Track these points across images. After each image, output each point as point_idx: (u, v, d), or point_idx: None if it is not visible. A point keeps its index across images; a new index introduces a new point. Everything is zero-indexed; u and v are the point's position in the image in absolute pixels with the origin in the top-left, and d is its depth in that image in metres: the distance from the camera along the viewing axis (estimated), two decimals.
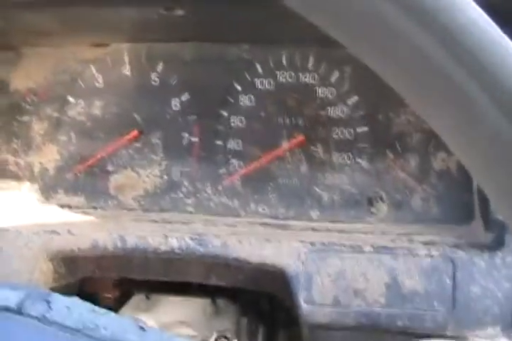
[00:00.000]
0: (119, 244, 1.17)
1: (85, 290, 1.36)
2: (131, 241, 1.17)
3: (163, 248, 1.15)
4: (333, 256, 1.09)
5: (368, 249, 1.09)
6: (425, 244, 1.10)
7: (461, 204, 1.24)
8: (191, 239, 1.14)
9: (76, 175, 1.43)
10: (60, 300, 0.88)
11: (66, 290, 1.27)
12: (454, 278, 1.06)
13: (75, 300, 0.90)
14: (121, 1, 1.14)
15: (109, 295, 1.43)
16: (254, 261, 1.11)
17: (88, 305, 0.90)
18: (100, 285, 1.40)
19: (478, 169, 0.43)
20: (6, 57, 1.48)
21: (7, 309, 0.68)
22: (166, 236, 1.16)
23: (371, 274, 1.07)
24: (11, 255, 1.20)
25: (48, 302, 0.87)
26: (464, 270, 1.06)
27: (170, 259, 1.19)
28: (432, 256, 1.07)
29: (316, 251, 1.10)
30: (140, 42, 1.42)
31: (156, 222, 1.28)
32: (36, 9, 1.17)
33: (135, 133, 1.39)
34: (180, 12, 1.18)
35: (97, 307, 0.89)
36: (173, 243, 1.15)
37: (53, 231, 1.20)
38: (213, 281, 1.20)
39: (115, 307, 1.41)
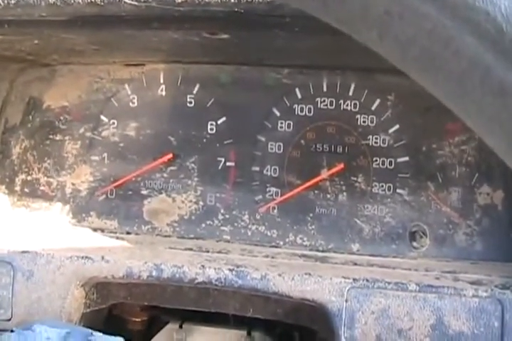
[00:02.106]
0: (154, 273, 1.14)
1: (113, 313, 1.34)
2: (167, 271, 1.13)
3: (200, 278, 1.12)
4: (376, 294, 1.06)
5: (412, 287, 1.05)
6: (472, 283, 1.07)
7: (508, 241, 1.21)
8: (229, 270, 1.11)
9: (109, 197, 1.40)
10: (103, 340, 0.86)
11: (96, 316, 1.25)
12: (502, 320, 1.02)
13: (118, 340, 0.88)
14: (165, 25, 1.11)
15: (138, 319, 1.41)
16: (295, 295, 1.08)
17: None
18: (129, 310, 1.37)
19: None
20: (39, 75, 1.46)
21: None
22: (203, 267, 1.12)
23: (416, 314, 1.04)
24: (43, 280, 1.18)
25: None
26: None
27: (206, 289, 1.17)
28: (479, 297, 1.03)
29: (359, 288, 1.07)
30: (177, 63, 1.40)
31: (191, 250, 1.25)
32: (73, 30, 1.15)
33: (170, 156, 1.37)
34: (224, 36, 1.16)
35: None
36: (211, 274, 1.12)
37: (87, 257, 1.17)
38: (250, 313, 1.17)
39: (143, 330, 1.39)
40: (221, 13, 0.97)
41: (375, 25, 0.39)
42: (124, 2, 0.98)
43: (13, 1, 0.99)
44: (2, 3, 1.00)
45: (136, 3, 0.97)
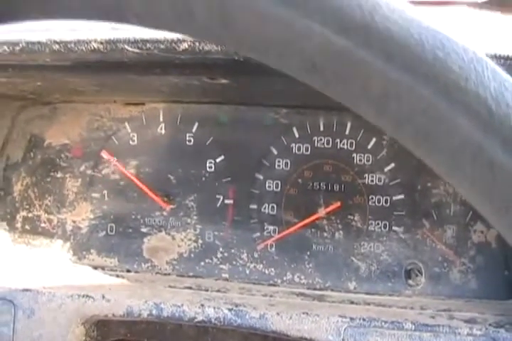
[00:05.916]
0: (154, 312, 1.15)
1: None
2: (167, 310, 1.15)
3: (199, 317, 1.14)
4: (373, 333, 1.08)
5: (408, 326, 1.07)
6: (466, 321, 1.09)
7: (502, 279, 1.23)
8: (228, 309, 1.13)
9: (109, 234, 1.42)
10: None
11: None
12: None
13: None
14: (166, 71, 1.14)
15: None
16: (292, 334, 1.10)
17: None
18: None
19: None
20: (41, 113, 1.49)
21: None
22: (203, 306, 1.14)
23: None
24: (44, 318, 1.19)
25: None
26: None
27: (205, 327, 1.18)
28: (473, 335, 1.05)
29: (355, 327, 1.09)
30: (176, 102, 1.42)
31: (191, 288, 1.27)
32: (75, 74, 1.17)
33: (169, 194, 1.39)
34: (224, 81, 1.18)
35: None
36: (210, 313, 1.13)
37: (87, 296, 1.19)
38: None
39: None
40: (221, 60, 0.99)
41: (373, 104, 0.42)
42: (127, 50, 1.00)
43: (18, 48, 1.02)
44: (8, 50, 1.02)
45: (138, 50, 1.00)
